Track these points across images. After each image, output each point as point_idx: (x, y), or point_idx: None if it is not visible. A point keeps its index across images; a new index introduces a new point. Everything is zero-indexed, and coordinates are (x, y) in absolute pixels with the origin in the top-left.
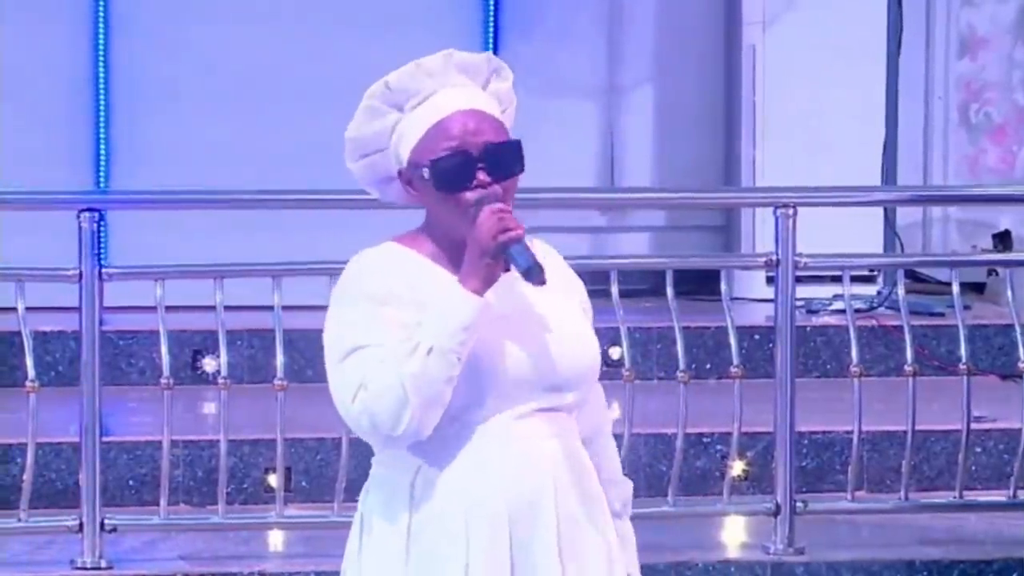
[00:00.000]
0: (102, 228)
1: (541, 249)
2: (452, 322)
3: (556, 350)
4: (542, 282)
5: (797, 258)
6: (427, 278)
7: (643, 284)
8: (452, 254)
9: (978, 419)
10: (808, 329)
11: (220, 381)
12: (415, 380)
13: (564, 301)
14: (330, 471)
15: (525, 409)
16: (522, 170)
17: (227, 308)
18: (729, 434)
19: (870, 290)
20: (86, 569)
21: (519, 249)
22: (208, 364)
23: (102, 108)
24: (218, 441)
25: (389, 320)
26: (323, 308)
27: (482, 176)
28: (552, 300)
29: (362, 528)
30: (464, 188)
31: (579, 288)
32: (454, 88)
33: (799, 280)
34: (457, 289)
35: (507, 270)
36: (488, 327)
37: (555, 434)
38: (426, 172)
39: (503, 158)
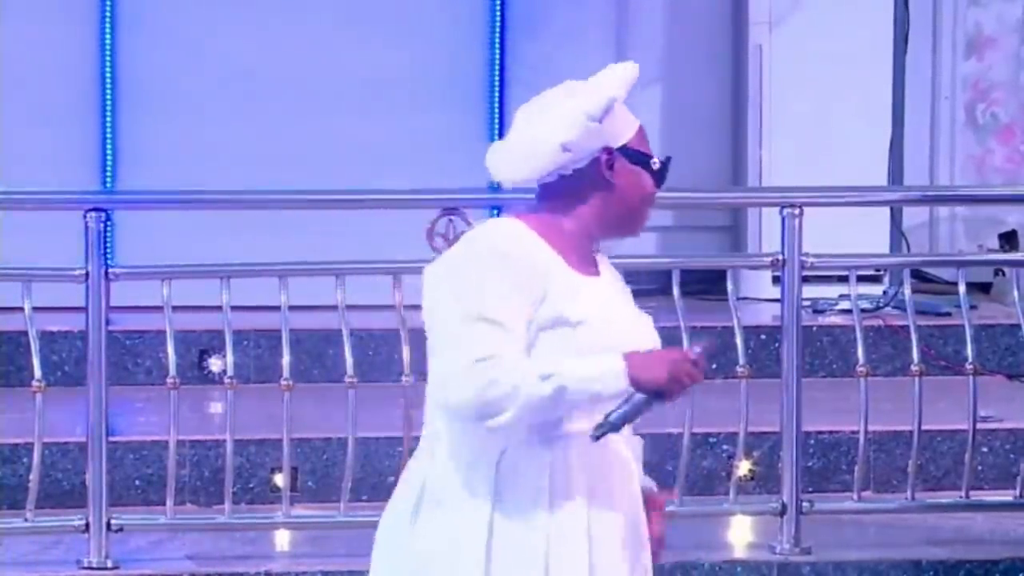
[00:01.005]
0: (109, 228)
1: (603, 258)
2: (596, 385)
3: (644, 347)
4: (603, 434)
5: (803, 258)
6: (552, 262)
7: (650, 284)
8: (573, 242)
9: (984, 419)
10: (815, 329)
11: (226, 381)
12: (532, 402)
13: (634, 304)
14: (336, 471)
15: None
16: None
17: (233, 308)
18: (735, 434)
19: (876, 290)
20: (92, 569)
21: (652, 403)
22: (214, 364)
23: (109, 108)
24: (224, 441)
25: (521, 300)
26: (329, 308)
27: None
28: (629, 305)
29: (422, 497)
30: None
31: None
32: None
33: (805, 280)
34: (621, 363)
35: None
36: (602, 326)
37: (625, 438)
38: (656, 164)
39: None
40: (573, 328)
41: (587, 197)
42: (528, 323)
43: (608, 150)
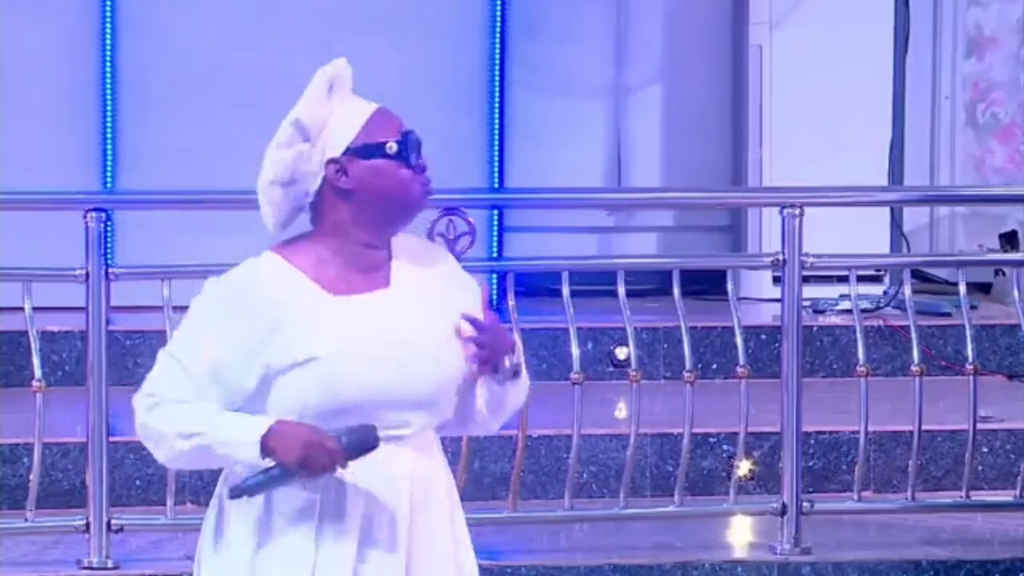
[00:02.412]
0: (109, 228)
1: (433, 251)
2: (233, 451)
3: (418, 374)
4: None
5: (804, 258)
6: (293, 293)
7: (650, 284)
8: (340, 259)
9: (985, 419)
10: (815, 329)
11: None
12: (175, 454)
13: (430, 319)
14: None
15: (383, 436)
16: None
17: None
18: (736, 434)
19: (877, 290)
20: (93, 569)
21: (285, 478)
22: None
23: (109, 108)
24: None
25: (214, 345)
26: None
27: (423, 161)
28: (427, 310)
29: (218, 519)
30: (418, 167)
31: (464, 292)
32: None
33: (806, 280)
34: (258, 434)
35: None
36: (351, 353)
37: (411, 458)
38: (394, 147)
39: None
40: (303, 367)
41: (336, 210)
42: (237, 365)
43: (333, 160)
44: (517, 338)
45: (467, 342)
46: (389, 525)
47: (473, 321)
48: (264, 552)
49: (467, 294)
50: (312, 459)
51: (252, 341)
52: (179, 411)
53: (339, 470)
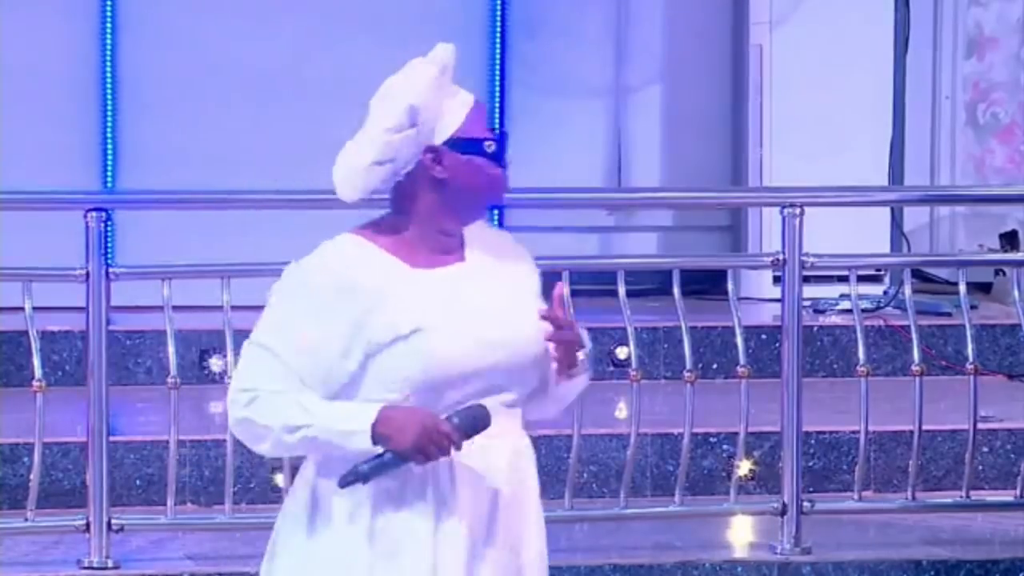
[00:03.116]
0: (109, 228)
1: (493, 231)
2: (343, 441)
3: (511, 342)
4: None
5: (804, 258)
6: (382, 270)
7: (650, 284)
8: (419, 243)
9: (985, 419)
10: (815, 329)
11: (227, 381)
12: (282, 447)
13: (512, 287)
14: None
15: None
16: None
17: (234, 308)
18: (736, 434)
19: (877, 290)
20: (93, 569)
21: (388, 466)
22: (215, 364)
23: (109, 108)
24: (225, 441)
25: (311, 329)
26: None
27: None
28: (509, 282)
29: (313, 504)
30: (503, 166)
31: (529, 270)
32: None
33: (806, 280)
34: (369, 422)
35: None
36: (450, 322)
37: (508, 434)
38: (491, 145)
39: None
40: (407, 340)
41: (425, 196)
42: (336, 348)
43: (431, 148)
44: (584, 332)
45: (546, 340)
46: (490, 502)
47: (552, 319)
48: (376, 547)
49: (532, 273)
50: (427, 442)
51: (351, 322)
52: (281, 403)
53: (452, 452)
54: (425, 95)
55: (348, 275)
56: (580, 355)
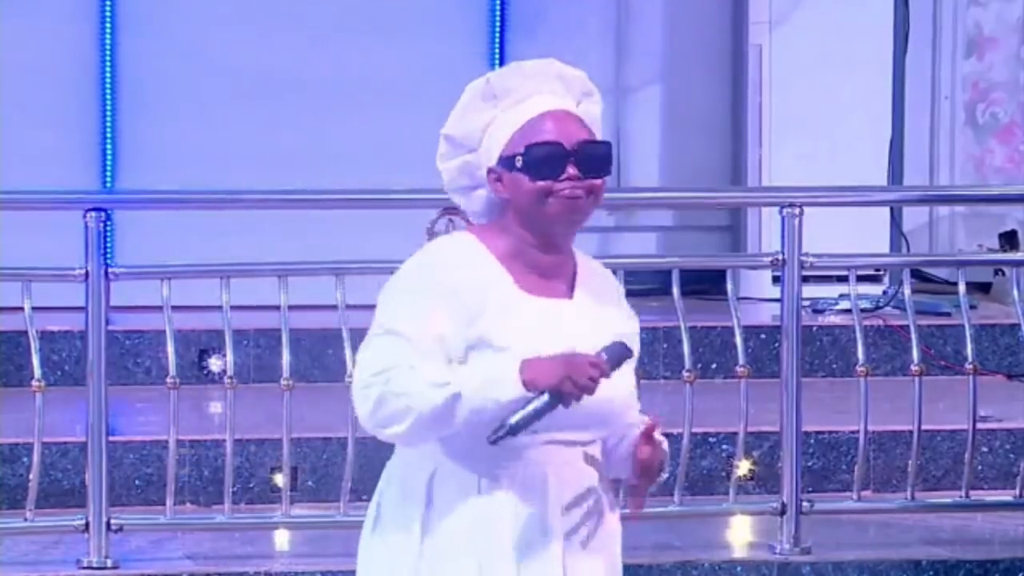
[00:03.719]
0: (108, 228)
1: (610, 279)
2: (491, 390)
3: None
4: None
5: (803, 258)
6: (493, 281)
7: (650, 284)
8: (526, 256)
9: (984, 419)
10: (814, 329)
11: (226, 381)
12: (425, 411)
13: (610, 336)
14: (336, 471)
15: (554, 438)
16: (609, 172)
17: (233, 308)
18: (735, 434)
19: (876, 290)
20: (92, 569)
21: (558, 403)
22: (214, 364)
23: (109, 108)
24: (224, 441)
25: (437, 316)
26: (329, 308)
27: (572, 170)
28: (611, 332)
29: (376, 521)
30: (554, 178)
31: (631, 328)
32: (549, 95)
33: (805, 280)
34: (516, 368)
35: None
36: (541, 350)
37: (568, 461)
38: (519, 160)
39: (595, 157)
40: (496, 353)
41: (506, 213)
42: (453, 340)
43: (491, 170)
44: (665, 451)
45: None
46: (543, 534)
47: (649, 442)
48: (429, 540)
49: (631, 323)
50: (577, 375)
51: (466, 316)
52: (419, 372)
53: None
54: (463, 120)
55: (462, 274)
56: (657, 477)
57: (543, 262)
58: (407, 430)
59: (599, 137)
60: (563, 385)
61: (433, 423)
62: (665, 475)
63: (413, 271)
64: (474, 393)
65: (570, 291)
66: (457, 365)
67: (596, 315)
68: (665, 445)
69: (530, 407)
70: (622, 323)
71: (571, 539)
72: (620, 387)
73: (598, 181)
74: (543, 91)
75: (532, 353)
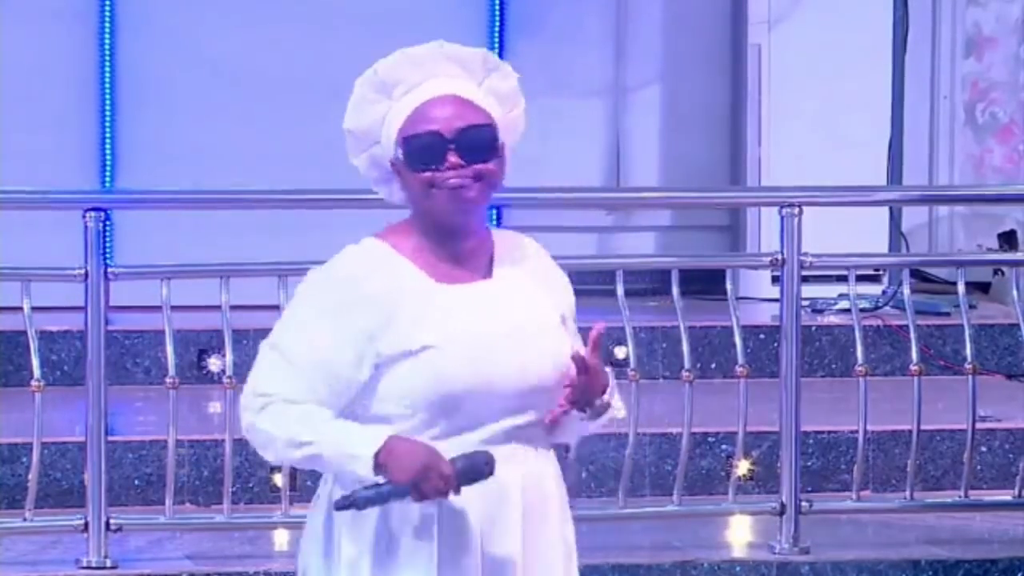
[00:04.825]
0: (108, 228)
1: (530, 247)
2: (345, 464)
3: (531, 365)
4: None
5: (803, 257)
6: (405, 278)
7: (649, 284)
8: (433, 247)
9: (983, 419)
10: (814, 328)
11: (225, 380)
12: (286, 459)
13: (540, 301)
14: None
15: (500, 429)
16: (495, 156)
17: (232, 308)
18: (734, 433)
19: (875, 290)
20: (91, 568)
21: (392, 496)
22: (213, 363)
23: (108, 108)
24: (223, 440)
25: (324, 340)
26: None
27: (454, 158)
28: (531, 302)
29: (328, 536)
30: (436, 168)
31: (562, 290)
32: (444, 78)
33: (805, 280)
34: (372, 450)
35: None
36: (465, 345)
37: (528, 456)
38: (401, 152)
39: (477, 142)
40: (417, 356)
41: (411, 206)
42: (358, 358)
43: (391, 162)
44: (612, 377)
45: (566, 382)
46: (504, 535)
47: (579, 361)
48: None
49: (565, 292)
50: (425, 482)
51: (366, 332)
52: (290, 414)
53: (450, 496)
54: (351, 117)
55: (365, 284)
56: (599, 402)
57: (454, 250)
58: (274, 461)
59: (514, 111)
60: (411, 489)
61: (298, 465)
62: (608, 402)
63: (319, 283)
64: (332, 458)
65: (488, 272)
66: (327, 417)
67: (519, 289)
68: (612, 376)
69: (380, 489)
70: (550, 292)
71: (527, 542)
72: (552, 365)
73: (486, 166)
74: (437, 75)
75: (457, 344)
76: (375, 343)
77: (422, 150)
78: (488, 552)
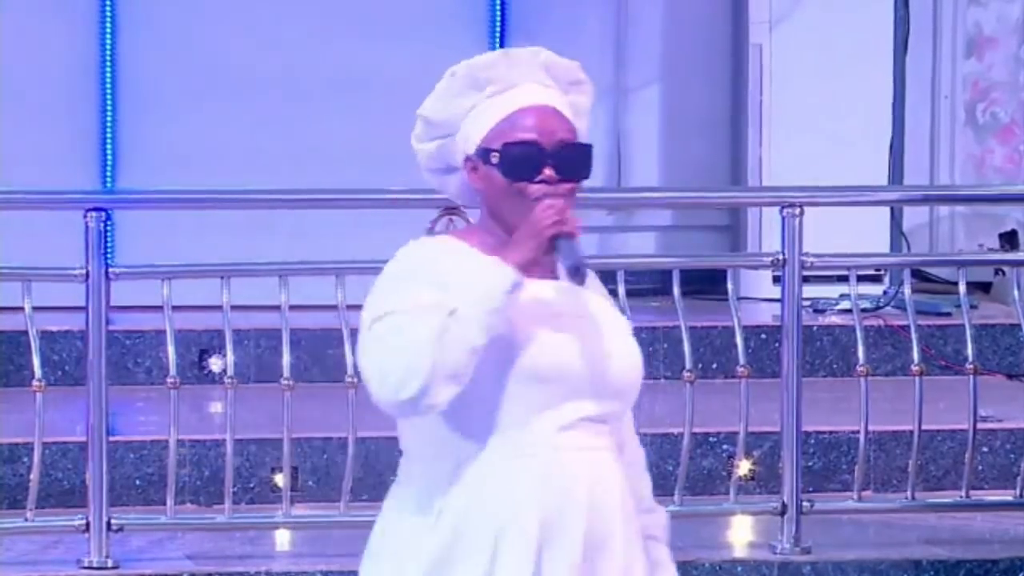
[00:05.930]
0: (109, 228)
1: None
2: (480, 288)
3: (608, 356)
4: (582, 282)
5: (804, 257)
6: (479, 269)
7: (650, 284)
8: (502, 248)
9: (984, 419)
10: (815, 329)
11: (226, 380)
12: (431, 343)
13: (614, 312)
14: (337, 471)
15: (571, 417)
16: (588, 175)
17: (234, 308)
18: (736, 434)
19: (877, 290)
20: (92, 569)
21: (569, 245)
22: (214, 364)
23: (109, 107)
24: (224, 441)
25: (426, 296)
26: (329, 308)
27: (549, 172)
28: (605, 308)
29: (383, 526)
30: (529, 179)
31: (606, 299)
32: (538, 85)
33: (806, 280)
34: (494, 261)
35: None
36: (540, 324)
37: (597, 447)
38: (495, 157)
39: (574, 160)
40: (500, 339)
41: (482, 205)
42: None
43: (467, 158)
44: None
45: None
46: (569, 538)
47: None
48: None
49: (607, 298)
50: (544, 220)
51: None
52: (417, 326)
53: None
54: (433, 106)
55: (444, 260)
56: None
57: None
58: (423, 382)
59: (584, 128)
60: (552, 232)
61: (444, 355)
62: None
63: (389, 270)
64: (468, 299)
65: (555, 275)
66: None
67: (590, 290)
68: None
69: (569, 251)
70: (614, 311)
71: (592, 543)
72: (631, 364)
73: (578, 184)
74: (529, 80)
75: (545, 331)
76: None
77: (520, 158)
78: (552, 553)
